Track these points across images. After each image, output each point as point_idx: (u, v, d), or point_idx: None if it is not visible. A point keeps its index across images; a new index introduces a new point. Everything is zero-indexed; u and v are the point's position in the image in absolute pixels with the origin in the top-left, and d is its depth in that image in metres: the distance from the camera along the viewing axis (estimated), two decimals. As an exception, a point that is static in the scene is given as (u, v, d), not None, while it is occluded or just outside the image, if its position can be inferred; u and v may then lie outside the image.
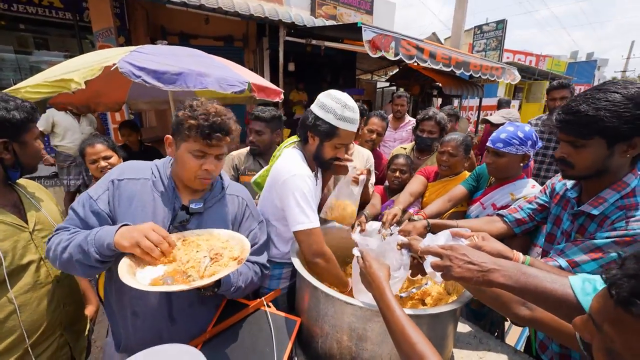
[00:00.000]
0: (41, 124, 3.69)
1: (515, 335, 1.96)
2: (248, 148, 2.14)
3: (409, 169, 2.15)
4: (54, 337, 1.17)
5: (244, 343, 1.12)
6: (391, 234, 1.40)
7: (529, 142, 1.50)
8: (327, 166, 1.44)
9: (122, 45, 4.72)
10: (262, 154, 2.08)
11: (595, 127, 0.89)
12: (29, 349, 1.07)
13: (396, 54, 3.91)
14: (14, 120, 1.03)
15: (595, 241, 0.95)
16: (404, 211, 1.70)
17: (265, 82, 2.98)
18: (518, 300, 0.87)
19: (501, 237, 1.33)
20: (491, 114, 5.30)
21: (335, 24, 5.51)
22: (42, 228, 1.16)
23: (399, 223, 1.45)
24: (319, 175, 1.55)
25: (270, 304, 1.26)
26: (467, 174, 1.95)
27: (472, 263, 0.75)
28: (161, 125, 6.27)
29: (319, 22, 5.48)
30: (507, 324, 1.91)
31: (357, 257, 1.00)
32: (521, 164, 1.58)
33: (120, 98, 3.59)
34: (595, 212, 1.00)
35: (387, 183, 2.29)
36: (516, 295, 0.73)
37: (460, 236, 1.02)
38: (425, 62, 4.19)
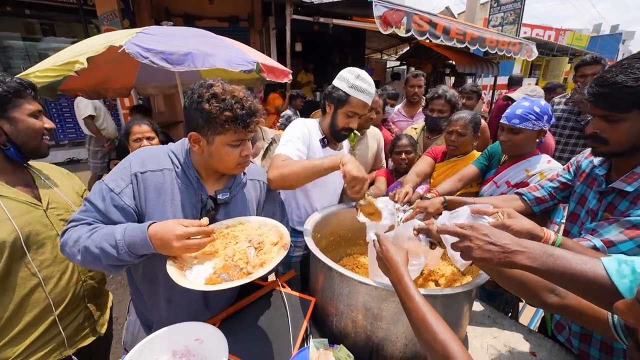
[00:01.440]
0: (89, 110, 3.91)
1: (529, 315, 1.95)
2: None
3: (413, 148, 2.10)
4: (79, 309, 1.22)
5: (260, 322, 1.14)
6: (404, 212, 1.37)
7: (545, 117, 1.45)
8: (339, 136, 1.53)
9: (127, 28, 4.66)
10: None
11: (634, 99, 0.83)
12: (57, 319, 1.12)
13: (407, 30, 3.74)
14: None
15: (631, 219, 0.91)
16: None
17: (273, 63, 2.91)
18: (546, 287, 0.84)
19: None
20: (503, 93, 5.09)
21: None
22: (56, 206, 1.18)
23: (410, 203, 1.42)
24: (344, 146, 1.65)
25: (284, 284, 1.27)
26: (476, 153, 1.89)
27: (494, 244, 0.71)
28: (170, 110, 6.28)
29: (327, -2, 5.24)
30: (521, 304, 1.91)
31: (374, 240, 0.97)
32: (537, 140, 1.52)
33: (129, 83, 3.57)
34: (629, 188, 0.95)
35: (391, 165, 2.23)
36: (542, 277, 0.69)
37: (482, 214, 0.98)
38: (438, 38, 4.00)
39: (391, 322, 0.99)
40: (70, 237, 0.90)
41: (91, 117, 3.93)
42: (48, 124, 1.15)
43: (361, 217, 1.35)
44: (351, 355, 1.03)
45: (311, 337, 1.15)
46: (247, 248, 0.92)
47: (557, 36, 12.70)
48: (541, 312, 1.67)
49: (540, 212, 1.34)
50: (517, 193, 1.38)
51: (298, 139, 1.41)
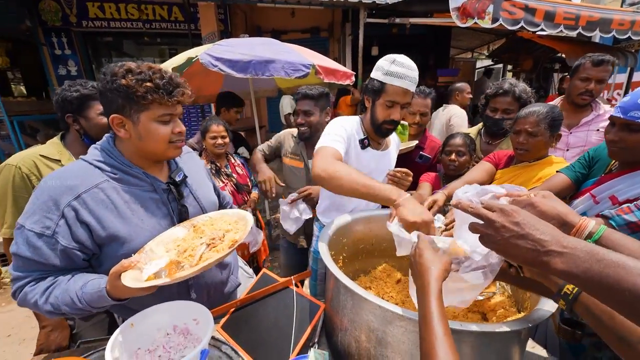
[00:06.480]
0: (288, 109, 5.28)
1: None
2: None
3: (467, 150, 1.76)
4: None
5: (268, 317, 1.13)
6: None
7: None
8: (382, 131, 1.43)
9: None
10: (310, 138, 1.95)
11: None
12: None
13: (494, 20, 3.22)
14: (71, 98, 1.32)
15: None
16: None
17: (334, 65, 2.91)
18: (616, 332, 0.57)
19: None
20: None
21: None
22: None
23: (444, 213, 1.17)
24: (391, 143, 1.58)
25: (298, 283, 1.23)
26: (555, 160, 1.45)
27: (526, 237, 0.54)
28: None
29: (405, -3, 5.00)
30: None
31: (414, 242, 0.82)
32: None
33: (216, 91, 4.12)
34: None
35: (441, 169, 1.92)
36: (583, 289, 0.50)
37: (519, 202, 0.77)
38: (538, 26, 3.32)
39: (398, 351, 0.83)
40: (26, 300, 0.85)
41: (289, 114, 5.00)
42: None
43: (393, 227, 1.15)
44: (351, 379, 0.91)
45: (316, 346, 1.07)
46: (200, 245, 0.89)
47: None
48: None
49: None
50: (601, 216, 1.00)
51: (340, 135, 1.35)
